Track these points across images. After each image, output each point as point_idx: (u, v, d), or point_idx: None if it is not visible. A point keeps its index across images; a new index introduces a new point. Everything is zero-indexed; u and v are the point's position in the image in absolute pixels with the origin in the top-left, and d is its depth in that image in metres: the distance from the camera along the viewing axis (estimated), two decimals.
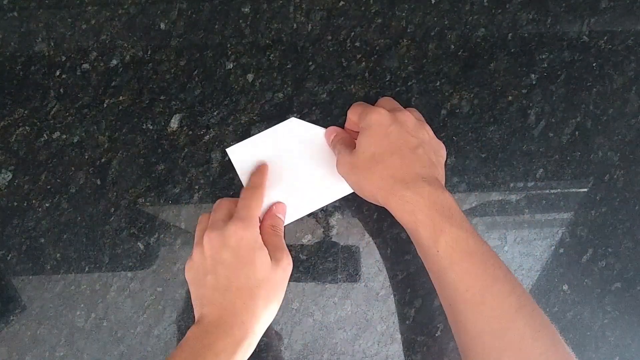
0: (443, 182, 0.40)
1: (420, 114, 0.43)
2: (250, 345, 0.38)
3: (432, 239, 0.35)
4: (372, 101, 0.45)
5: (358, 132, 0.41)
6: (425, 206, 0.36)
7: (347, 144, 0.42)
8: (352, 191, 0.44)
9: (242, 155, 0.45)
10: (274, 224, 0.43)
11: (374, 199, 0.39)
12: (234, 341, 0.37)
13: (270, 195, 0.45)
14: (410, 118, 0.40)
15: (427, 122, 0.41)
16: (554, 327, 0.34)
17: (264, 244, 0.40)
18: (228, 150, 0.45)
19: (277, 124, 0.45)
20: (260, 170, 0.44)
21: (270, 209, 0.44)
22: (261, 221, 0.43)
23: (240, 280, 0.38)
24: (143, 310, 0.45)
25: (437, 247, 0.35)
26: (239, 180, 0.45)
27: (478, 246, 0.35)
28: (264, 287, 0.39)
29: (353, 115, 0.43)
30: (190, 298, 0.40)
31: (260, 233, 0.40)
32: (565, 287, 0.47)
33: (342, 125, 0.45)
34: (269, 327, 0.45)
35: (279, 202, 0.45)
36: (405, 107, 0.43)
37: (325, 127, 0.45)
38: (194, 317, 0.39)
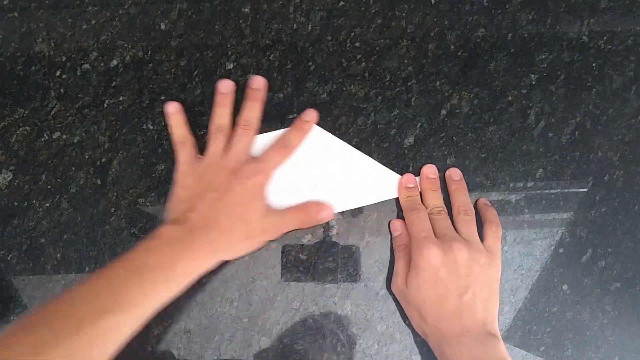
0: (496, 315, 0.40)
1: (466, 188, 0.44)
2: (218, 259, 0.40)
3: None
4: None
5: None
6: None
7: (407, 260, 0.42)
8: (356, 206, 0.45)
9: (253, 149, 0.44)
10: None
11: (420, 333, 0.42)
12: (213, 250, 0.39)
13: (276, 197, 0.45)
14: (462, 253, 0.39)
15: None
16: None
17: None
18: None
19: (277, 123, 0.45)
20: (300, 130, 0.44)
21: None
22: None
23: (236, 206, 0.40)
24: None
25: None
26: None
27: None
28: (251, 225, 0.40)
29: (411, 219, 0.43)
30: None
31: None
32: (564, 287, 0.47)
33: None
34: (268, 327, 0.45)
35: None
36: (447, 169, 0.45)
37: (329, 129, 0.45)
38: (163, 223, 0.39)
